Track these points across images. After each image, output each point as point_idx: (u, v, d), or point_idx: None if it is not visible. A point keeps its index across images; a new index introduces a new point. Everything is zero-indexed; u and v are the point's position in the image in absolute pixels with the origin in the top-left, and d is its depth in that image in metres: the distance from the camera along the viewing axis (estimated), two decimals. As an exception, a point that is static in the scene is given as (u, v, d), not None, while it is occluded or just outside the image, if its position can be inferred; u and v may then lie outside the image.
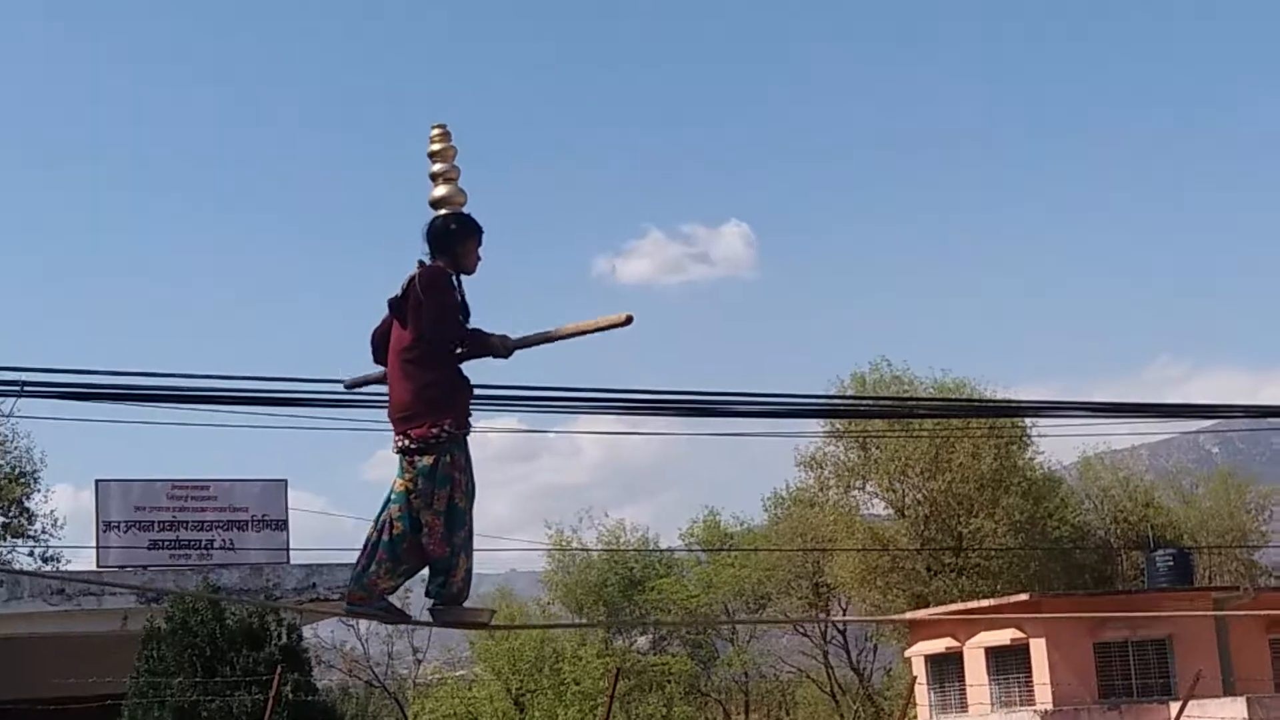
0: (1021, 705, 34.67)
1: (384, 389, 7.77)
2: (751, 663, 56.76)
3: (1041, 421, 40.06)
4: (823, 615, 53.76)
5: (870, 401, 35.38)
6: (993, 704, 35.39)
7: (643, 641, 52.89)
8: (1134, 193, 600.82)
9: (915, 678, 34.13)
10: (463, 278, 7.61)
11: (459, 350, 7.50)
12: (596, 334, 7.41)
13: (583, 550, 55.27)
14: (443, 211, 7.73)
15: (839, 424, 47.56)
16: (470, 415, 7.59)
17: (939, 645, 37.10)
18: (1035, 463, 51.02)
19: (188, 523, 25.30)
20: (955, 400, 40.67)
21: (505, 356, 7.48)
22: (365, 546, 7.61)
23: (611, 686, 16.06)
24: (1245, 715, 31.78)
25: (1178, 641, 34.69)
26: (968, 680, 36.24)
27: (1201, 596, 36.57)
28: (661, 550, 55.76)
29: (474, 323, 7.60)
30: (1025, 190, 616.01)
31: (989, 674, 35.91)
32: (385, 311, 7.59)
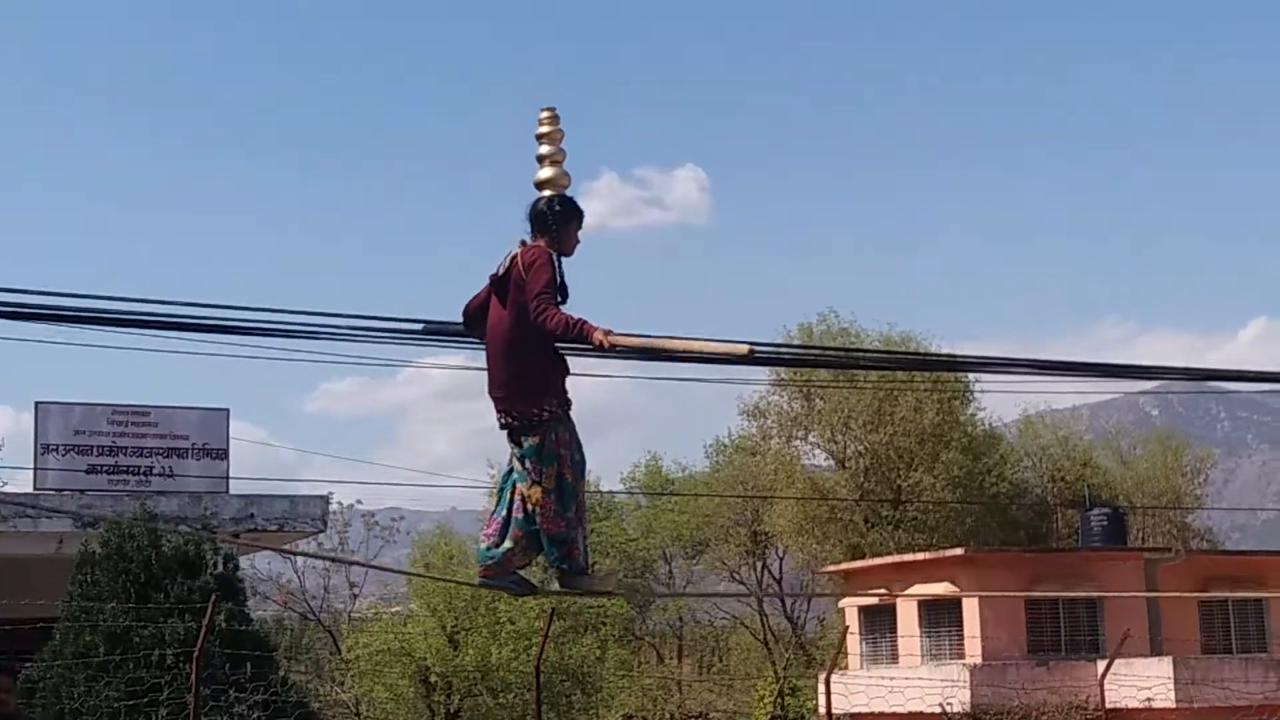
0: (951, 658, 35.04)
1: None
2: (687, 608, 57.08)
3: (984, 378, 40.29)
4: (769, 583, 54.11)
5: (816, 352, 35.38)
6: (923, 656, 35.74)
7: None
8: (1087, 154, 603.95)
9: (847, 627, 34.45)
10: (562, 259, 7.68)
11: (558, 339, 7.52)
12: (708, 360, 7.50)
13: (523, 490, 55.16)
14: (546, 193, 7.84)
15: (784, 373, 47.74)
16: (569, 393, 7.70)
17: (873, 597, 37.41)
18: (977, 419, 51.43)
19: (127, 448, 25.17)
20: (900, 354, 40.83)
21: (606, 351, 7.50)
22: (492, 522, 7.81)
23: (546, 627, 16.13)
24: (1171, 675, 32.22)
25: (1108, 600, 35.09)
26: (899, 632, 36.58)
27: (1134, 557, 36.98)
28: (602, 492, 55.92)
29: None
30: (980, 148, 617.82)
31: (921, 626, 36.25)
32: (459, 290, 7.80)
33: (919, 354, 40.95)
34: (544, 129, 7.95)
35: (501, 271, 7.65)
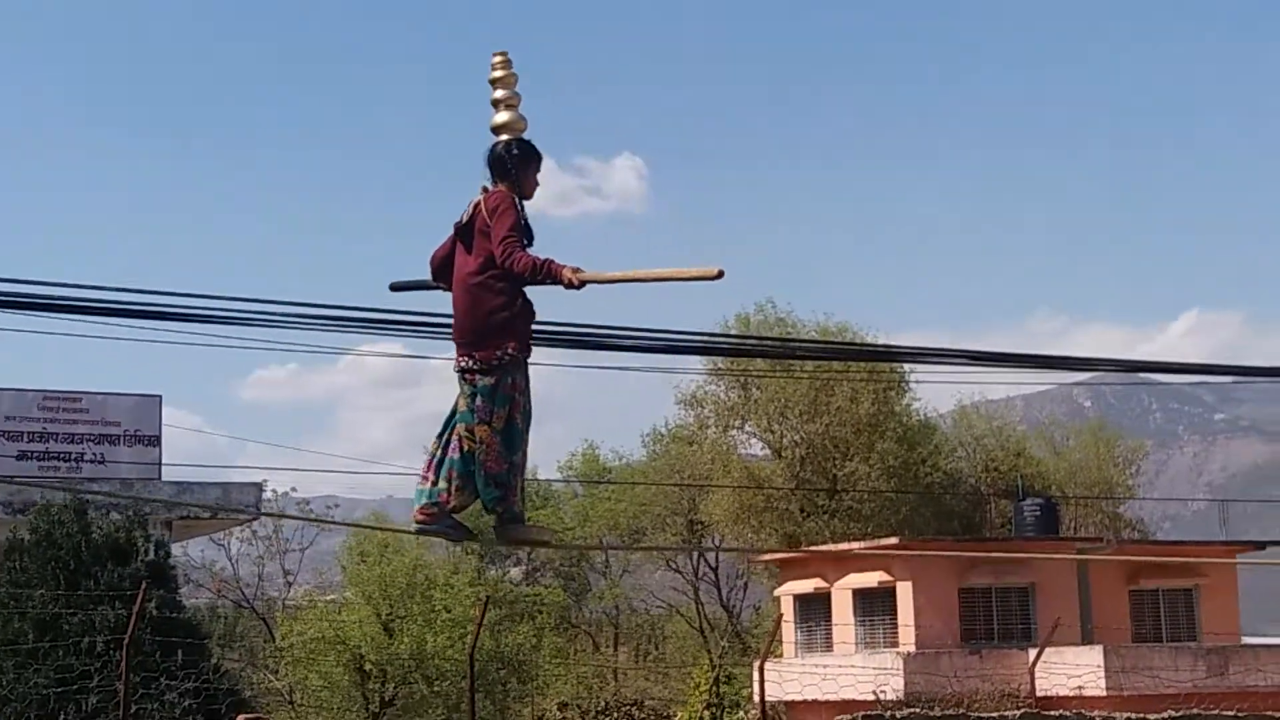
0: (885, 646, 35.24)
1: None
2: (623, 596, 57.14)
3: (920, 368, 40.61)
4: (705, 547, 54.23)
5: (753, 341, 35.49)
6: (857, 644, 35.92)
7: (516, 572, 53.03)
8: (1022, 148, 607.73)
9: (781, 615, 34.56)
10: (523, 202, 7.71)
11: (526, 279, 7.54)
12: (681, 283, 7.46)
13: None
14: (504, 138, 7.83)
15: (721, 363, 47.84)
16: (532, 339, 7.73)
17: (808, 585, 37.56)
18: (912, 409, 51.65)
19: (58, 434, 24.94)
20: (836, 344, 41.00)
21: (576, 289, 7.49)
22: (430, 464, 7.76)
23: (480, 615, 16.10)
24: (1101, 663, 32.53)
25: (1040, 589, 35.37)
26: (834, 620, 36.75)
27: (1065, 546, 37.30)
28: (539, 481, 55.86)
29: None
30: (916, 140, 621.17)
31: (855, 615, 36.44)
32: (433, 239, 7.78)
33: (855, 344, 41.11)
34: (497, 73, 7.92)
35: (465, 219, 7.69)
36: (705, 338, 13.98)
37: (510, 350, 7.56)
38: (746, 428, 51.48)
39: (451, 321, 7.86)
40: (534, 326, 7.87)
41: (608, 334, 13.61)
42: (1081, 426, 63.69)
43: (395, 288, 8.58)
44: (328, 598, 43.63)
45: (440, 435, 7.84)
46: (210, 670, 18.92)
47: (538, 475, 55.94)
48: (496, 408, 7.55)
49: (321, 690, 37.90)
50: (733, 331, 47.04)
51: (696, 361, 46.44)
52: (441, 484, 7.70)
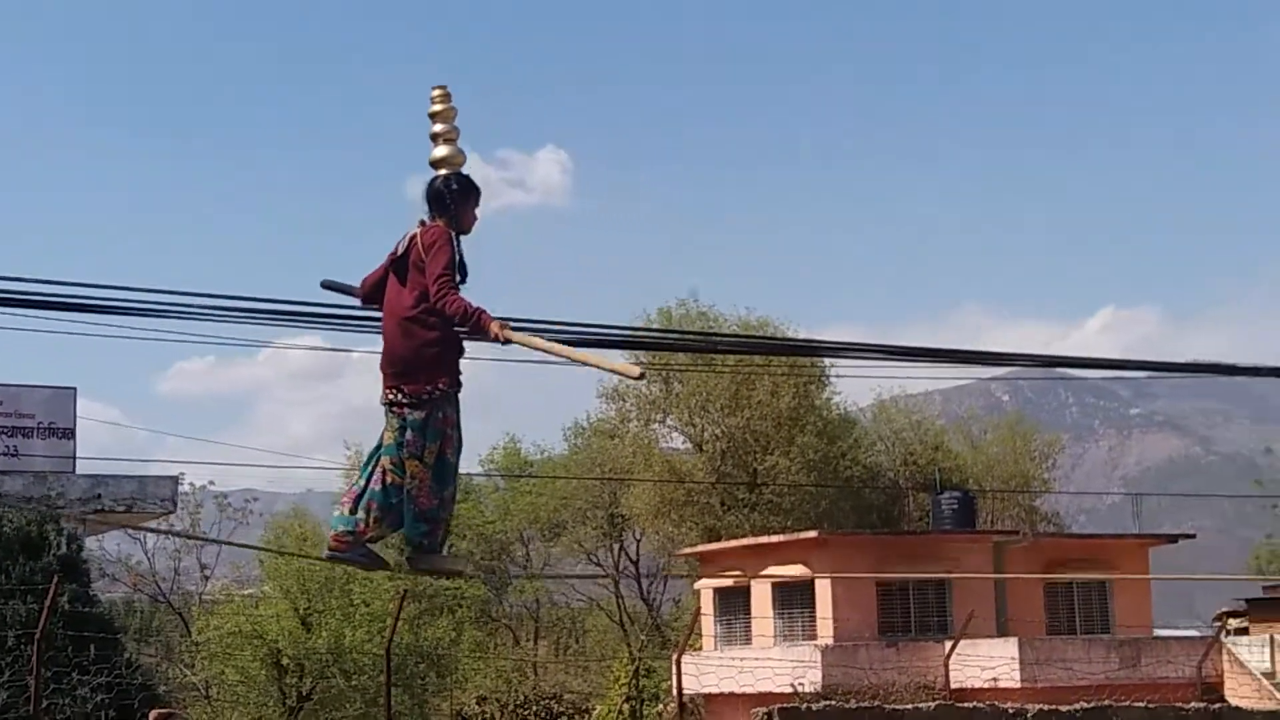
0: (804, 639, 35.44)
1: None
2: (543, 590, 57.10)
3: (840, 363, 40.72)
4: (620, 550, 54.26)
5: (674, 335, 35.55)
6: (776, 637, 36.09)
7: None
8: (945, 145, 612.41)
9: (699, 609, 34.67)
10: (460, 238, 7.68)
11: (456, 324, 7.53)
12: (599, 370, 7.51)
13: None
14: (442, 172, 7.81)
15: (643, 357, 47.87)
16: (461, 373, 7.71)
17: (728, 579, 37.69)
18: (832, 403, 51.98)
19: (-30, 427, 24.59)
20: (757, 338, 41.16)
21: (501, 345, 7.50)
22: (351, 492, 7.79)
23: (397, 609, 16.03)
24: (1016, 655, 32.88)
25: (956, 583, 35.67)
26: (754, 613, 36.91)
27: (982, 540, 37.62)
28: (460, 474, 55.65)
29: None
30: (840, 137, 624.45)
31: (775, 608, 36.61)
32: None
33: (776, 339, 41.30)
34: (437, 107, 7.91)
35: (400, 251, 7.67)
36: (627, 332, 14.01)
37: (441, 385, 7.56)
38: (668, 421, 51.62)
39: (381, 351, 7.83)
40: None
41: (530, 328, 13.62)
42: (999, 421, 64.26)
43: (326, 285, 8.56)
44: (245, 592, 43.31)
45: (366, 463, 7.87)
46: (123, 665, 18.75)
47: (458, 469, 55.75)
48: (428, 443, 7.56)
49: (238, 685, 37.61)
50: (655, 325, 47.16)
51: (619, 355, 46.43)
52: (360, 514, 7.69)
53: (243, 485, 48.66)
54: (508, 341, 7.43)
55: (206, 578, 47.55)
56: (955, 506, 39.45)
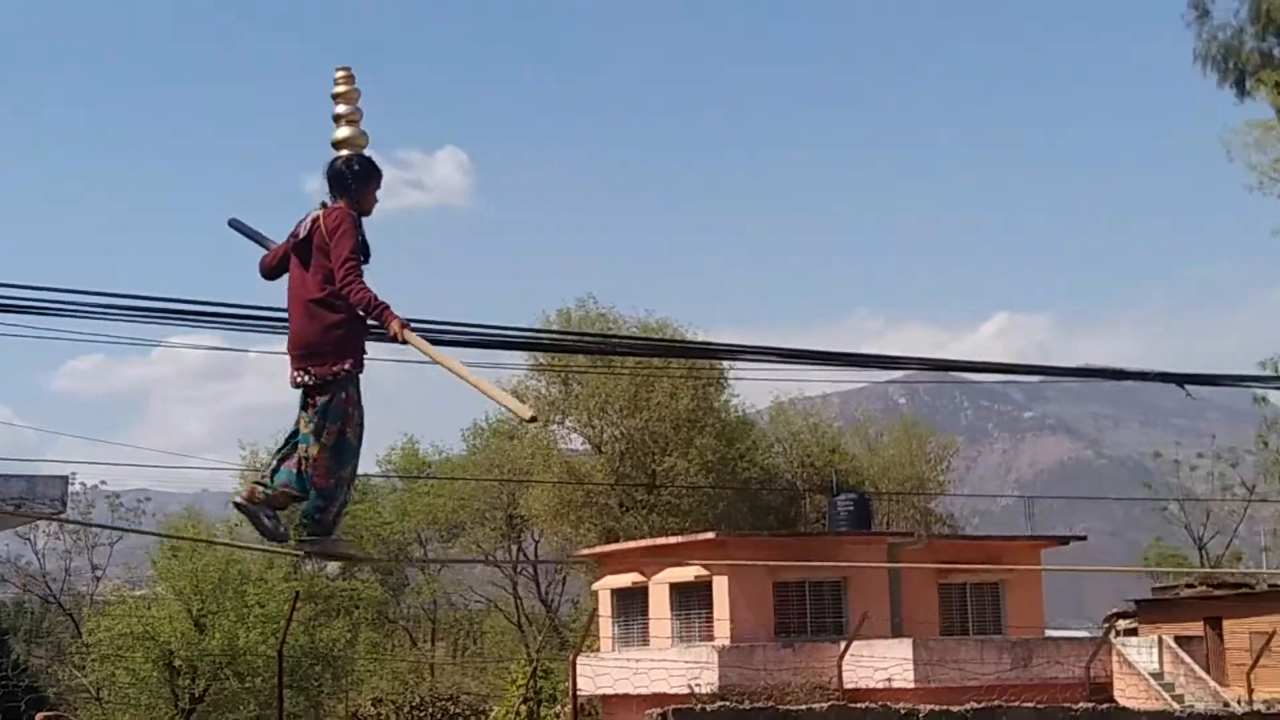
0: (701, 640, 35.56)
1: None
2: (441, 591, 56.90)
3: (738, 365, 40.98)
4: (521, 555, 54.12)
5: (574, 337, 35.55)
6: (674, 638, 36.19)
7: (333, 567, 52.41)
8: (838, 151, 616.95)
9: (595, 610, 34.71)
10: (361, 219, 7.67)
11: (360, 313, 7.53)
12: (491, 401, 7.52)
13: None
14: (344, 153, 7.79)
15: (542, 358, 47.87)
16: (365, 355, 7.71)
17: (626, 580, 37.75)
18: (730, 405, 52.21)
19: None
20: (657, 340, 41.25)
21: (400, 343, 7.49)
22: (273, 472, 7.78)
23: (290, 610, 15.93)
24: (910, 656, 33.21)
25: (852, 584, 35.95)
26: (651, 614, 36.98)
27: (878, 541, 37.95)
28: (358, 476, 55.33)
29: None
30: (738, 141, 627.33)
31: (672, 609, 36.70)
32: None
33: (675, 341, 41.43)
34: (340, 88, 7.90)
35: (303, 234, 7.65)
36: (527, 333, 14.00)
37: (347, 367, 7.58)
38: (567, 423, 51.62)
39: (287, 334, 7.84)
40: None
41: (429, 328, 13.58)
42: (895, 423, 64.87)
43: (234, 225, 8.49)
44: (137, 593, 42.80)
45: (280, 450, 7.90)
46: (9, 667, 18.47)
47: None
48: (329, 423, 7.59)
49: (129, 687, 37.17)
50: (554, 327, 47.12)
51: (518, 356, 46.37)
52: (276, 481, 7.75)
53: (135, 485, 48.08)
54: (405, 341, 7.43)
55: (98, 578, 46.94)
56: (851, 508, 39.72)
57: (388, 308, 7.39)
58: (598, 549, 41.69)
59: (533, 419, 7.48)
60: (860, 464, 55.91)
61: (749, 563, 35.11)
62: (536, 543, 55.01)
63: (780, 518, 51.41)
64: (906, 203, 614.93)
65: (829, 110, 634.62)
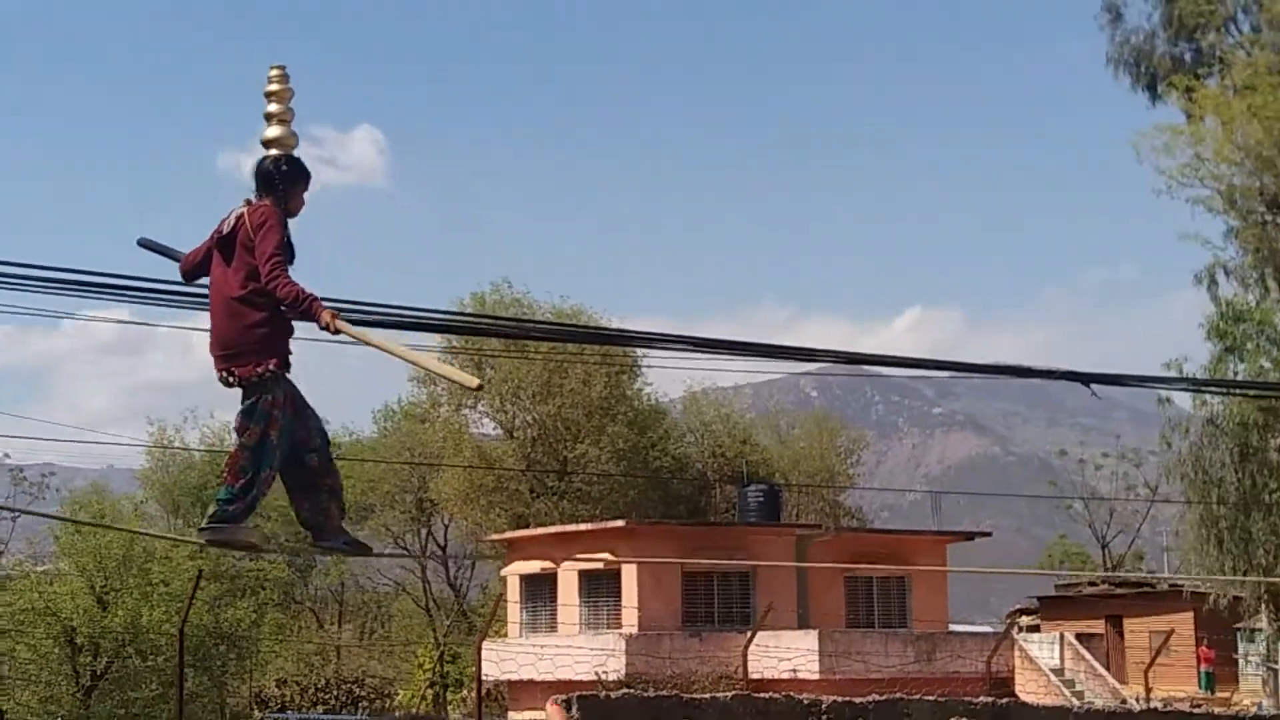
0: (609, 628, 35.63)
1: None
2: (349, 574, 56.59)
3: (652, 353, 41.13)
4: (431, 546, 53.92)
5: (488, 321, 35.44)
6: (581, 625, 36.25)
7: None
8: (753, 142, 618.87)
9: (502, 595, 34.69)
10: (287, 220, 7.61)
11: (285, 308, 7.47)
12: (438, 378, 7.48)
13: (184, 449, 54.05)
14: (273, 152, 7.75)
15: (455, 342, 47.70)
16: (291, 354, 7.63)
17: (534, 566, 37.75)
18: (643, 394, 52.31)
19: None
20: (571, 326, 41.21)
21: (331, 334, 7.41)
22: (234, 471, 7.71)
23: (193, 588, 15.82)
24: (817, 647, 33.45)
25: (760, 575, 36.13)
26: (560, 601, 37.01)
27: (786, 533, 38.16)
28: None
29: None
30: (653, 130, 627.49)
31: (580, 596, 36.75)
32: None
33: (589, 327, 41.41)
34: (273, 87, 7.87)
35: (227, 230, 7.56)
36: (440, 316, 13.94)
37: (271, 367, 7.51)
38: (479, 407, 51.50)
39: (209, 333, 7.75)
40: (204, 294, 7.92)
41: (342, 308, 13.49)
42: (807, 416, 65.25)
43: (144, 244, 8.41)
44: (40, 569, 42.26)
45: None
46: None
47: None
48: (252, 424, 7.53)
49: (30, 663, 36.70)
50: (468, 310, 46.97)
51: (431, 339, 46.17)
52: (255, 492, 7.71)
53: (41, 460, 47.53)
54: (338, 331, 7.37)
55: (0, 553, 46.33)
56: (761, 499, 39.90)
57: (315, 299, 7.34)
58: (507, 534, 41.65)
59: (479, 387, 7.51)
60: (771, 455, 56.18)
61: (658, 559, 35.22)
62: (446, 527, 54.86)
63: (690, 507, 51.59)
64: (820, 194, 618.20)
65: (745, 101, 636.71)
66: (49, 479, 46.00)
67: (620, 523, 37.46)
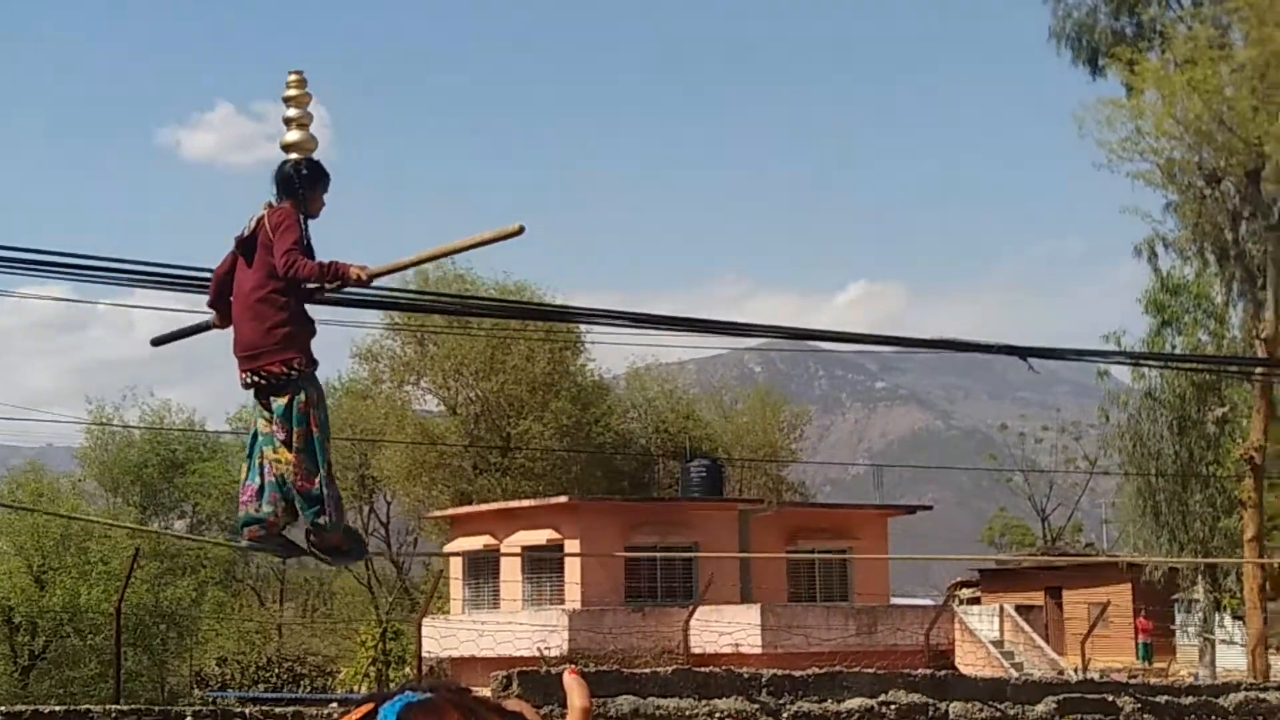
0: (552, 604, 35.64)
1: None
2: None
3: (595, 329, 40.97)
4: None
5: (430, 297, 35.33)
6: (524, 602, 36.23)
7: (180, 525, 51.84)
8: (702, 117, 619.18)
9: (442, 572, 34.66)
10: (308, 221, 7.75)
11: (314, 287, 7.62)
12: (486, 245, 7.60)
13: (124, 428, 53.63)
14: (293, 156, 7.89)
15: (398, 318, 47.51)
16: (314, 352, 7.74)
17: (477, 542, 37.69)
18: (586, 369, 52.26)
19: None
20: (513, 303, 41.10)
21: (365, 285, 7.66)
22: (247, 488, 7.79)
23: (129, 567, 15.70)
24: (759, 622, 33.59)
25: (703, 549, 36.21)
26: (502, 577, 36.99)
27: (729, 507, 38.26)
28: (208, 432, 54.65)
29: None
30: (600, 99, 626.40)
31: (523, 572, 36.73)
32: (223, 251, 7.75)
33: (532, 303, 41.30)
34: (292, 92, 8.02)
35: (247, 233, 7.68)
36: (383, 292, 13.87)
37: (296, 365, 7.59)
38: (422, 384, 51.33)
39: (233, 338, 7.85)
40: (147, 271, 8.04)
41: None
42: (750, 391, 65.34)
43: (157, 342, 8.61)
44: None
45: (249, 457, 7.89)
46: None
47: (206, 426, 54.74)
48: (295, 427, 7.60)
49: (-34, 643, 36.45)
50: (411, 286, 46.74)
51: (373, 315, 46.03)
52: (266, 508, 7.75)
53: (-23, 438, 47.01)
54: (372, 278, 7.58)
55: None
56: (704, 474, 40.00)
57: (337, 263, 7.48)
58: (450, 511, 41.57)
59: (520, 229, 7.57)
60: (714, 431, 56.24)
61: (599, 553, 35.22)
62: (389, 504, 54.68)
63: (634, 483, 51.62)
64: (777, 166, 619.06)
65: (698, 71, 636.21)
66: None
67: (564, 499, 37.45)
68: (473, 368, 49.15)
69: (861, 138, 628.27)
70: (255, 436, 7.82)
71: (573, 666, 15.04)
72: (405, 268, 7.86)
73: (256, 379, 7.63)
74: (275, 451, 7.69)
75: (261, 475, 7.79)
